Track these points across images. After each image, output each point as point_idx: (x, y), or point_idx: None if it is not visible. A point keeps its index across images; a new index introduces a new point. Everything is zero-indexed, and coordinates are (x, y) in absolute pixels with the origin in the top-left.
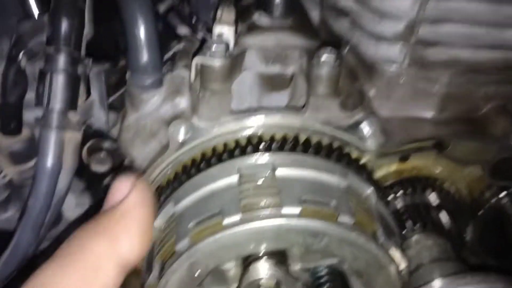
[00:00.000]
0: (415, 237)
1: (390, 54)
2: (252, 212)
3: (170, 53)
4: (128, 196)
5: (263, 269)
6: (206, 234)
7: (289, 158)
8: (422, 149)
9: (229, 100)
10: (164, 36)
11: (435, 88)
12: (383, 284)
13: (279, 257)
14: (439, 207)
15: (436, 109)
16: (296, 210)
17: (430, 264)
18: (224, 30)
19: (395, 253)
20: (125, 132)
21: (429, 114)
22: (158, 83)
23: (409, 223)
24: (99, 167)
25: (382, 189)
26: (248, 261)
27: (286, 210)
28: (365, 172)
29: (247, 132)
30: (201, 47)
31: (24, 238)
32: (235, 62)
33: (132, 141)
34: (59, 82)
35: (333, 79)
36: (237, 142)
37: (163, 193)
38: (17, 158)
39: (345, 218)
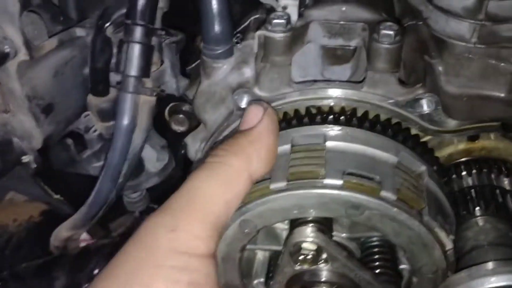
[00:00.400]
0: (475, 219)
1: (459, 30)
2: (297, 180)
3: (247, 22)
4: (261, 122)
5: (307, 233)
6: (255, 196)
7: (341, 131)
8: (487, 130)
9: (289, 72)
10: (244, 4)
11: (507, 66)
12: (427, 262)
13: (325, 224)
14: (507, 191)
15: (506, 89)
16: (339, 182)
17: (485, 248)
18: (289, 2)
19: (440, 233)
20: (198, 98)
21: (498, 93)
22: (229, 53)
23: (470, 205)
24: (178, 127)
25: (442, 168)
26: (295, 224)
27: (328, 181)
28: (423, 149)
29: (305, 104)
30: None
31: (104, 186)
32: (297, 35)
33: (204, 106)
34: (135, 52)
35: (393, 54)
36: (295, 113)
37: None
38: (105, 115)
39: (387, 193)
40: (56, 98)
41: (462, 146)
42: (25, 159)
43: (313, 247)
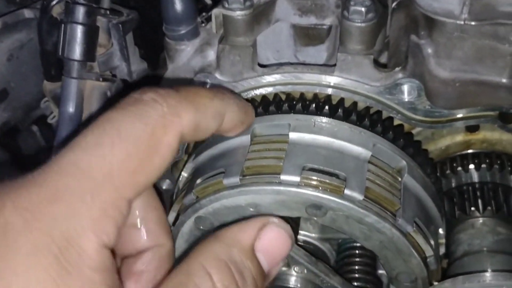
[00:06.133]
0: (470, 221)
1: (448, 5)
2: (252, 175)
3: None
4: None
5: None
6: (208, 192)
7: (309, 121)
8: (481, 121)
9: (251, 54)
10: None
11: (505, 47)
12: (404, 270)
13: (290, 224)
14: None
15: (506, 73)
16: (296, 178)
17: (479, 254)
18: None
19: (417, 238)
20: (164, 84)
21: (497, 78)
22: (193, 34)
23: (467, 204)
24: None
25: (431, 162)
26: None
27: (285, 177)
28: (406, 142)
29: (271, 90)
30: None
31: None
32: (261, 12)
33: None
34: (77, 33)
35: (366, 34)
36: (260, 100)
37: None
38: None
39: (352, 192)
40: (11, 83)
41: (460, 137)
42: None
43: None
